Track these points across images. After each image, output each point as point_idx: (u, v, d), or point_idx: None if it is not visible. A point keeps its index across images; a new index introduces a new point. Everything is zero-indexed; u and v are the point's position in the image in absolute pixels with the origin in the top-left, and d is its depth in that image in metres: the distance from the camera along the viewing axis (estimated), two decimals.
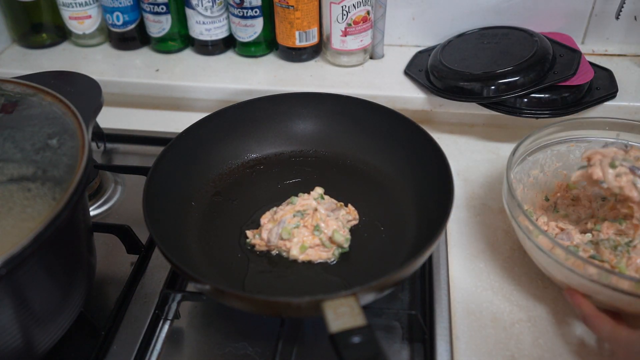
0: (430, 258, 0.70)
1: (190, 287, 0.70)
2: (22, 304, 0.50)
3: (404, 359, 0.62)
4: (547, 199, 0.73)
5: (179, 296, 0.65)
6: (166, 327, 0.66)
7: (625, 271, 0.61)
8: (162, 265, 0.71)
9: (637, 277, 0.60)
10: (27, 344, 0.52)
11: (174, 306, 0.66)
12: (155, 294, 0.67)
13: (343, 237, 0.67)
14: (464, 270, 0.68)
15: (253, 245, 0.70)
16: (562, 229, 0.68)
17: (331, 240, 0.67)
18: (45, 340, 0.55)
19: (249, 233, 0.71)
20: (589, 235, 0.67)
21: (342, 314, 0.49)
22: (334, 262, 0.67)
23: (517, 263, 0.69)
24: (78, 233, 0.58)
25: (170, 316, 0.66)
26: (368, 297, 0.55)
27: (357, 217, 0.72)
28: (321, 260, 0.67)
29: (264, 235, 0.69)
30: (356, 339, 0.47)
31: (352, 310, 0.50)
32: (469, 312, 0.63)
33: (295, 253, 0.67)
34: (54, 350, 0.57)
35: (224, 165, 0.79)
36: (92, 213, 0.82)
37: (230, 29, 1.04)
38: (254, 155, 0.81)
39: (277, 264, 0.67)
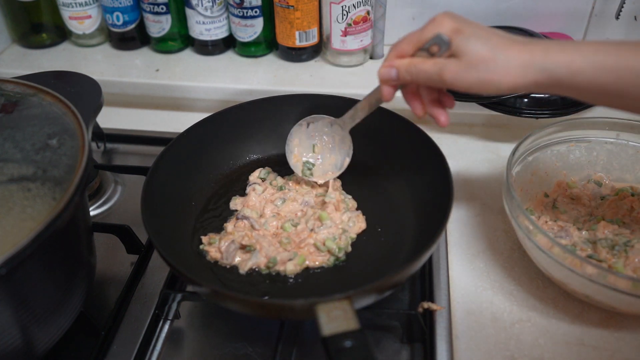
0: (430, 258, 0.70)
1: (190, 287, 0.70)
2: (22, 304, 0.50)
3: (404, 359, 0.62)
4: (546, 196, 0.73)
5: (179, 296, 0.65)
6: (166, 327, 0.66)
7: (622, 271, 0.61)
8: (162, 266, 0.71)
9: (635, 276, 0.60)
10: (27, 343, 0.52)
11: (174, 306, 0.66)
12: (155, 294, 0.67)
13: (336, 245, 0.66)
14: (464, 270, 0.68)
15: (206, 252, 0.67)
16: (561, 227, 0.68)
17: (325, 245, 0.66)
18: (46, 340, 0.55)
19: (204, 239, 0.68)
20: (587, 234, 0.67)
21: (335, 317, 0.49)
22: (338, 263, 0.67)
23: (517, 263, 0.69)
24: (78, 233, 0.58)
25: (170, 316, 0.66)
26: (364, 300, 0.55)
27: (364, 226, 0.70)
28: (317, 266, 0.66)
29: (222, 246, 0.66)
30: (348, 343, 0.47)
31: (346, 314, 0.50)
32: (469, 312, 0.63)
33: (292, 268, 0.64)
34: (54, 350, 0.57)
35: (225, 166, 0.79)
36: (92, 213, 0.82)
37: (230, 29, 1.04)
38: (255, 156, 0.81)
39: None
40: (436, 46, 0.53)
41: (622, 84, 0.48)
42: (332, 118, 0.73)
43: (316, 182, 0.75)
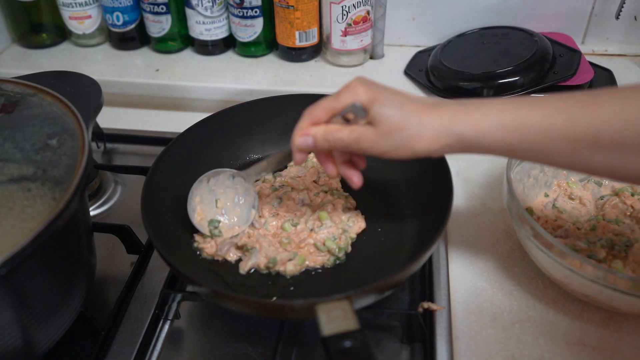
0: (430, 258, 0.70)
1: (190, 287, 0.70)
2: (22, 304, 0.50)
3: (404, 359, 0.62)
4: (546, 196, 0.73)
5: (179, 296, 0.65)
6: (166, 327, 0.66)
7: (622, 271, 0.61)
8: (162, 266, 0.71)
9: (635, 276, 0.60)
10: (27, 344, 0.52)
11: (174, 306, 0.66)
12: (155, 294, 0.67)
13: (336, 245, 0.66)
14: (464, 270, 0.68)
15: (201, 250, 0.67)
16: (560, 226, 0.68)
17: (325, 245, 0.66)
18: (46, 340, 0.55)
19: (197, 237, 0.68)
20: (587, 234, 0.67)
21: (335, 317, 0.49)
22: (338, 263, 0.66)
23: (517, 263, 0.69)
24: (78, 233, 0.58)
25: (170, 316, 0.66)
26: (364, 300, 0.55)
27: (364, 226, 0.70)
28: (317, 266, 0.66)
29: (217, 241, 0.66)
30: (347, 343, 0.47)
31: (345, 313, 0.50)
32: (469, 312, 0.63)
33: (292, 268, 0.64)
34: (54, 350, 0.57)
35: (225, 166, 0.79)
36: (92, 213, 0.82)
37: (230, 29, 1.04)
38: (255, 156, 0.81)
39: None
40: (352, 114, 0.54)
41: (527, 142, 0.48)
42: (234, 171, 0.70)
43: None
